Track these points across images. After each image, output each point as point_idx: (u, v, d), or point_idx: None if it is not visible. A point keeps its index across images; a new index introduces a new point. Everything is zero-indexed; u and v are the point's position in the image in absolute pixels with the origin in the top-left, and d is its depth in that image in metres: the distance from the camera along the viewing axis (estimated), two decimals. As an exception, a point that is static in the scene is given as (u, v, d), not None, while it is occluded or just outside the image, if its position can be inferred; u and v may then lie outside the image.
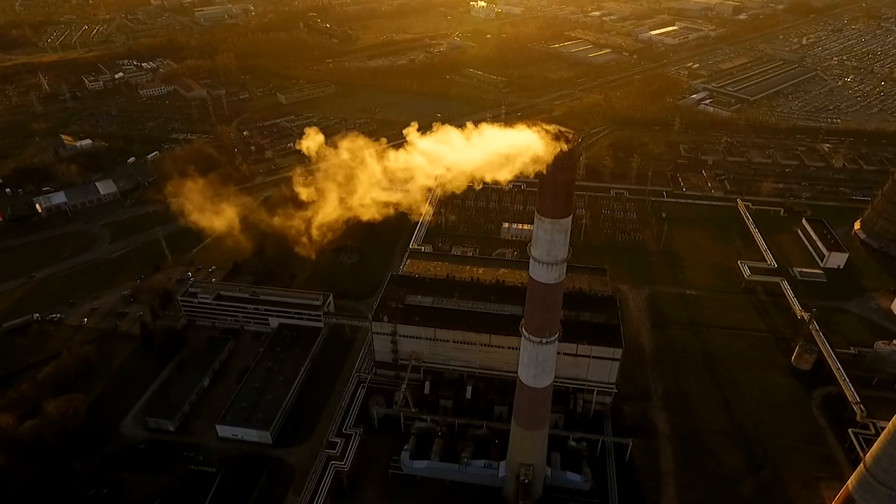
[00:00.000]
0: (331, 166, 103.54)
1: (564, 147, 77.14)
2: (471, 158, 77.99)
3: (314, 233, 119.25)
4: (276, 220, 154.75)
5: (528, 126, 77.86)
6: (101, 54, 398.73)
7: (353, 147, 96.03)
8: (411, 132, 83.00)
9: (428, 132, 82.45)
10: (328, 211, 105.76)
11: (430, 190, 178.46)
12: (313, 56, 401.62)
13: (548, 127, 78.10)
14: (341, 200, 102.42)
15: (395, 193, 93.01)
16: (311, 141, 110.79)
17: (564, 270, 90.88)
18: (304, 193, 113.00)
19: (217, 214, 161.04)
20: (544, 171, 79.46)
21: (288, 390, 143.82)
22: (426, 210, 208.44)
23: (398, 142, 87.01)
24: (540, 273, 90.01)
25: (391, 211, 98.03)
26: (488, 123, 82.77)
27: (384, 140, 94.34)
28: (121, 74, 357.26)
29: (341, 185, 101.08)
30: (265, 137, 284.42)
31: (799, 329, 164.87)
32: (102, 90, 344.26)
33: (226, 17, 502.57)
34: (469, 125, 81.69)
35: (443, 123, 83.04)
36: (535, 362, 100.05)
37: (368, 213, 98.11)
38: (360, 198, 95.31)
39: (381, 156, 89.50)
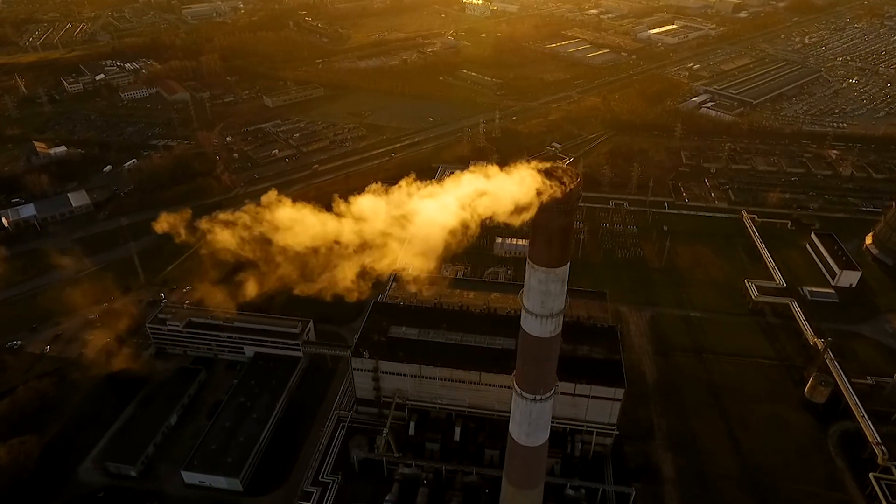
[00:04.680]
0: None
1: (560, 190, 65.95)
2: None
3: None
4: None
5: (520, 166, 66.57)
6: (83, 54, 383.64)
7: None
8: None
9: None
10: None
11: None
12: (302, 56, 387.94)
13: (542, 166, 66.87)
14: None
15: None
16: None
17: (561, 322, 79.66)
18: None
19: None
20: (537, 215, 68.33)
21: (262, 430, 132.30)
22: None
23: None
24: (533, 326, 78.77)
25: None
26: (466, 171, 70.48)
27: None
28: (102, 76, 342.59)
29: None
30: (249, 144, 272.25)
31: (813, 359, 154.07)
32: (82, 93, 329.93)
33: (214, 14, 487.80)
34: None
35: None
36: (529, 420, 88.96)
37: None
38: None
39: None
